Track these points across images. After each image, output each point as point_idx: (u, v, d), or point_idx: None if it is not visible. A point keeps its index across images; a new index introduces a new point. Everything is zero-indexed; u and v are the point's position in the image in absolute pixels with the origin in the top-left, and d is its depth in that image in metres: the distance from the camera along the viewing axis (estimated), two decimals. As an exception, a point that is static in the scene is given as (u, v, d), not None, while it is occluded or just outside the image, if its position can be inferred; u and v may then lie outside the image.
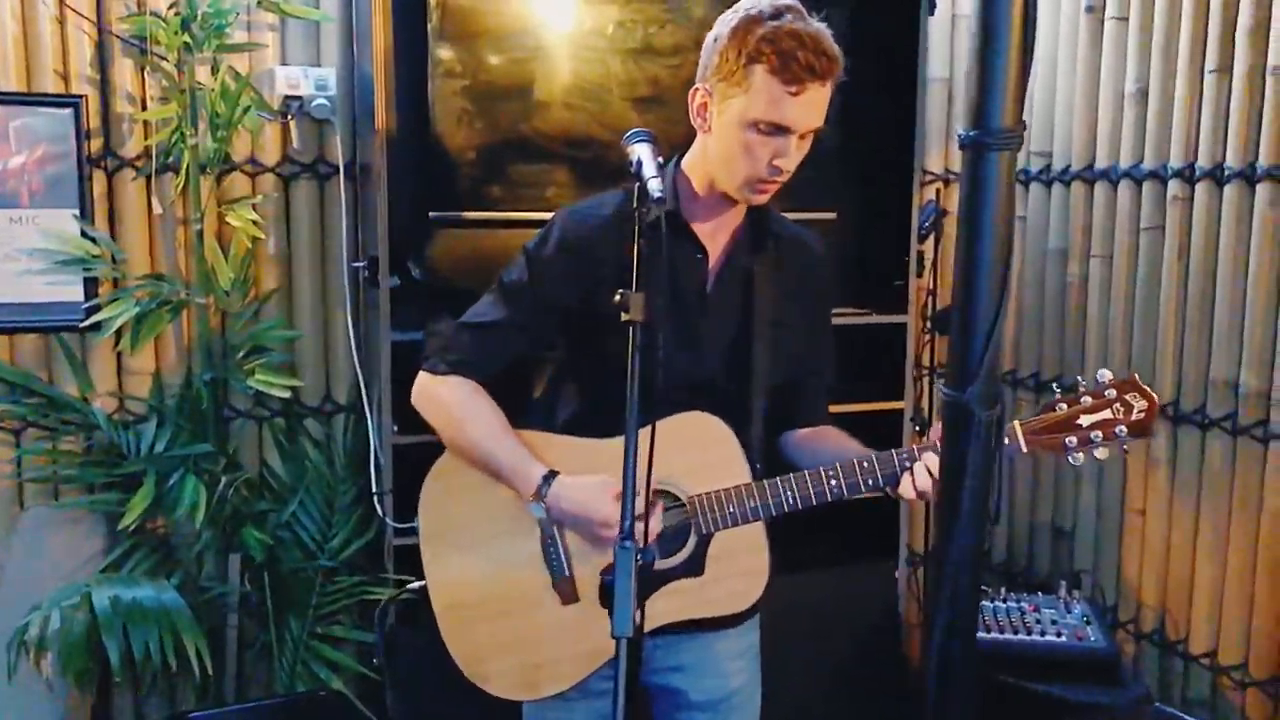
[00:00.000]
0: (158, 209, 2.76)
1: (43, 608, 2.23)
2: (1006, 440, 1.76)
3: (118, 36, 2.69)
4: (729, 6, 1.76)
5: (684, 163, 1.84)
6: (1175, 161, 2.81)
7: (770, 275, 1.88)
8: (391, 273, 2.61)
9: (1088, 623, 2.83)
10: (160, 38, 2.61)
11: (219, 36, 2.64)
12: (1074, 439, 1.77)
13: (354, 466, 2.95)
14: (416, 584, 1.97)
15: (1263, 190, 2.62)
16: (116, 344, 2.76)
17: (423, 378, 1.91)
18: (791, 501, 1.79)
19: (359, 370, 2.87)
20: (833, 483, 1.78)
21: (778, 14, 1.67)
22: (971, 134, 1.22)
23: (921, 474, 1.72)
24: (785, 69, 1.64)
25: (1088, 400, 1.77)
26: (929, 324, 3.41)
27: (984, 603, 2.95)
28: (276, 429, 2.94)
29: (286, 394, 2.79)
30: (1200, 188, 2.76)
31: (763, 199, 1.78)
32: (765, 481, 1.80)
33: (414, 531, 2.65)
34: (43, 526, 2.71)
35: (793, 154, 1.71)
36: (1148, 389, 1.78)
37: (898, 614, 3.22)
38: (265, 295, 2.89)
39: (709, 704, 1.95)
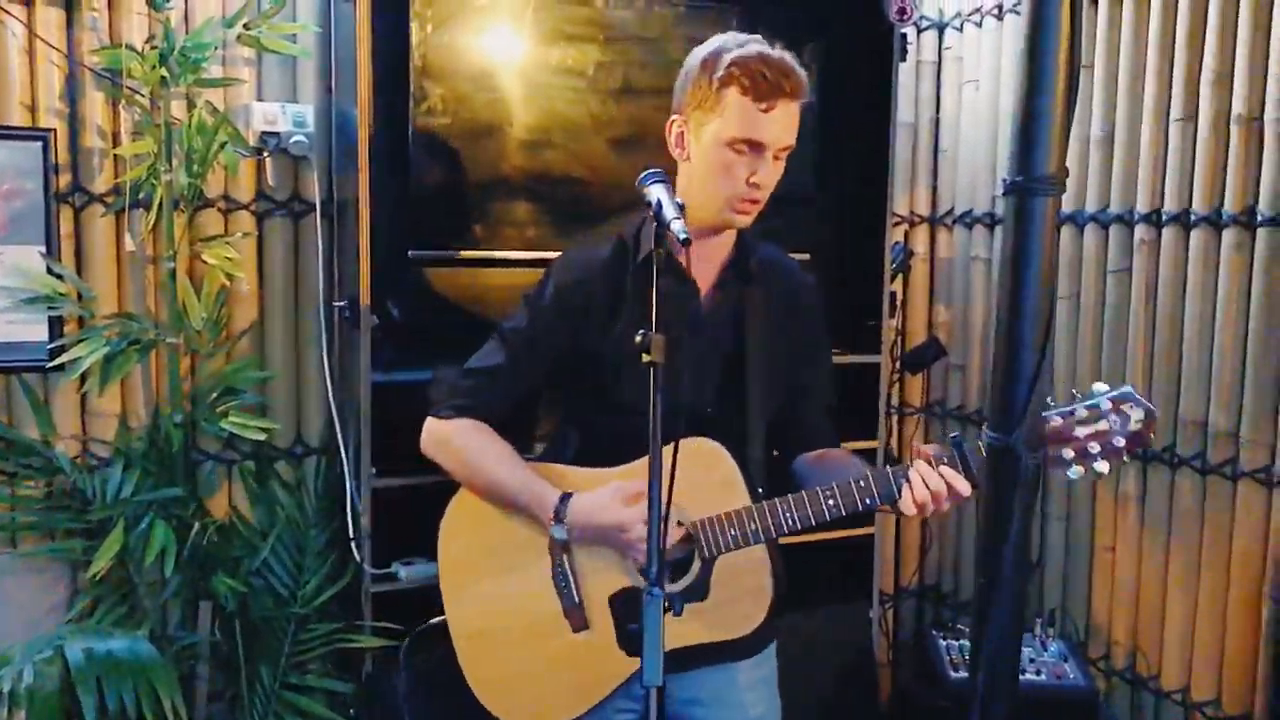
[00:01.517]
0: (130, 245, 2.67)
1: (14, 661, 2.13)
2: None
3: (89, 69, 2.62)
4: (708, 48, 1.86)
5: None
6: (1142, 206, 2.89)
7: (760, 302, 1.95)
8: (371, 312, 2.58)
9: (1065, 660, 2.86)
10: (135, 71, 2.55)
11: (196, 71, 2.58)
12: (1070, 451, 1.76)
13: (325, 511, 2.88)
14: (437, 619, 1.97)
15: (1229, 235, 2.70)
16: (82, 385, 2.66)
17: (431, 423, 1.96)
18: (791, 523, 1.83)
19: (335, 412, 2.81)
20: (830, 503, 1.82)
21: (743, 43, 1.80)
22: (1016, 180, 1.24)
23: (919, 486, 1.76)
24: (755, 89, 1.75)
25: (1082, 412, 1.77)
26: (898, 363, 3.45)
27: (960, 641, 2.97)
28: (246, 472, 2.86)
29: (261, 437, 2.71)
30: (1167, 232, 2.84)
31: (744, 220, 1.85)
32: (765, 503, 1.84)
33: (393, 578, 2.63)
34: (2, 575, 2.60)
35: (769, 171, 1.81)
36: (1144, 400, 1.77)
37: (871, 654, 3.23)
38: (238, 335, 2.82)
39: None
